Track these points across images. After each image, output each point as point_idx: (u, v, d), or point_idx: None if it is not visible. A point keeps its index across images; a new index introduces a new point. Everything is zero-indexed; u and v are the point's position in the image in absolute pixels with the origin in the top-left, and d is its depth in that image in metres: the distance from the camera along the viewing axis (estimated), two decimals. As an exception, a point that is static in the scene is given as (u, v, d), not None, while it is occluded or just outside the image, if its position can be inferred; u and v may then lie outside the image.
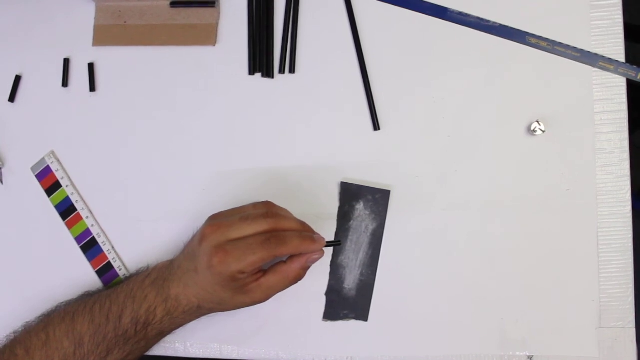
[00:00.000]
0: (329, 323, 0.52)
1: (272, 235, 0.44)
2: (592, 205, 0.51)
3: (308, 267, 0.47)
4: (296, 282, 0.47)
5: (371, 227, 0.52)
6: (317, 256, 0.46)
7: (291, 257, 0.46)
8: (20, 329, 0.49)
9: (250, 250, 0.43)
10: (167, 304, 0.46)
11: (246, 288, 0.45)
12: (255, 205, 0.47)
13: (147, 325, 0.46)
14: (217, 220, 0.46)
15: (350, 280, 0.52)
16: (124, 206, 0.55)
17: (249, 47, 0.55)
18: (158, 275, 0.48)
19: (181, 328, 0.49)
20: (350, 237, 0.52)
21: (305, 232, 0.46)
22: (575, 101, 0.51)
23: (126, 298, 0.47)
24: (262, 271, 0.46)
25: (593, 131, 0.51)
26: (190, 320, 0.48)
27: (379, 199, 0.52)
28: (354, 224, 0.53)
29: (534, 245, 0.51)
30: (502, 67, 0.52)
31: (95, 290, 0.52)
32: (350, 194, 0.52)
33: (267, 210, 0.46)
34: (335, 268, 0.53)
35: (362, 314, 0.52)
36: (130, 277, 0.50)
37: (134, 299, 0.47)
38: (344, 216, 0.53)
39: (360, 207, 0.52)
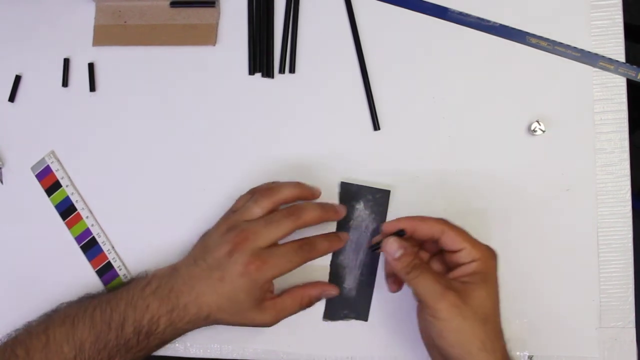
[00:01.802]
0: (329, 323, 0.52)
1: (304, 243, 0.48)
2: (592, 205, 0.51)
3: (321, 299, 0.51)
4: (306, 308, 0.50)
5: (371, 227, 0.52)
6: (333, 292, 0.51)
7: (308, 283, 0.51)
8: (21, 329, 0.49)
9: (286, 258, 0.46)
10: (172, 315, 0.46)
11: (264, 304, 0.47)
12: (255, 197, 0.49)
13: (149, 335, 0.46)
14: (240, 229, 0.47)
15: (351, 280, 0.52)
16: (124, 206, 0.55)
17: (249, 47, 0.55)
18: (160, 283, 0.47)
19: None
20: (350, 237, 0.52)
21: (325, 210, 0.49)
22: (575, 101, 0.52)
23: (127, 306, 0.46)
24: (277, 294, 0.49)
25: (593, 131, 0.51)
26: (191, 330, 0.48)
27: (379, 198, 0.52)
28: (354, 223, 0.53)
29: (534, 245, 0.51)
30: (502, 67, 0.52)
31: (94, 292, 0.52)
32: (350, 194, 0.52)
33: (288, 209, 0.48)
34: (335, 268, 0.53)
35: (362, 314, 0.52)
36: (130, 283, 0.49)
37: (135, 308, 0.46)
38: (344, 216, 0.52)
39: (360, 207, 0.52)
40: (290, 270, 0.47)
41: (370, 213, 0.52)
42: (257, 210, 0.48)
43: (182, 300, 0.46)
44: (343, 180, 0.53)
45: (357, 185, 0.52)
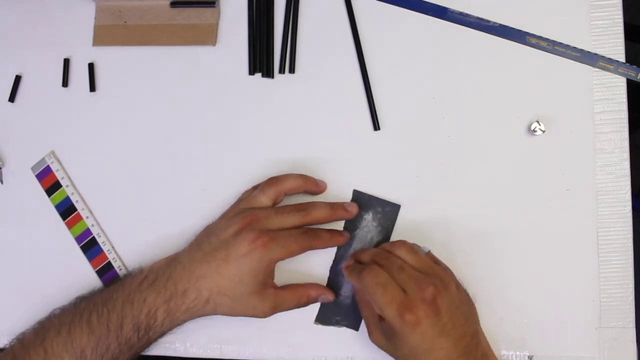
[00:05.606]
0: (324, 326, 0.52)
1: (308, 229, 0.49)
2: (592, 205, 0.51)
3: (318, 301, 0.51)
4: (302, 306, 0.50)
5: (376, 239, 0.52)
6: (331, 298, 0.51)
7: (309, 283, 0.51)
8: (15, 342, 0.48)
9: (292, 239, 0.47)
10: (169, 304, 0.46)
11: (266, 291, 0.47)
12: (261, 187, 0.50)
13: (148, 330, 0.46)
14: (250, 212, 0.48)
15: (347, 289, 0.52)
16: (124, 206, 0.55)
17: (249, 47, 0.55)
18: (157, 276, 0.47)
19: (182, 328, 0.49)
20: (354, 247, 0.52)
21: (334, 210, 0.50)
22: (575, 101, 0.51)
23: (124, 304, 0.46)
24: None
25: (593, 131, 0.51)
26: (188, 320, 0.48)
27: (388, 212, 0.52)
28: (359, 233, 0.52)
29: (533, 245, 0.51)
30: (502, 67, 0.52)
31: (88, 294, 0.51)
32: (361, 203, 0.52)
33: (298, 204, 0.49)
34: (335, 274, 0.52)
35: (354, 322, 0.52)
36: (125, 279, 0.49)
37: (132, 304, 0.46)
38: (351, 224, 0.52)
39: (368, 217, 0.52)
40: (294, 253, 0.47)
41: (377, 225, 0.52)
42: (264, 198, 0.49)
43: (180, 286, 0.46)
44: (355, 189, 0.52)
45: (368, 195, 0.52)
